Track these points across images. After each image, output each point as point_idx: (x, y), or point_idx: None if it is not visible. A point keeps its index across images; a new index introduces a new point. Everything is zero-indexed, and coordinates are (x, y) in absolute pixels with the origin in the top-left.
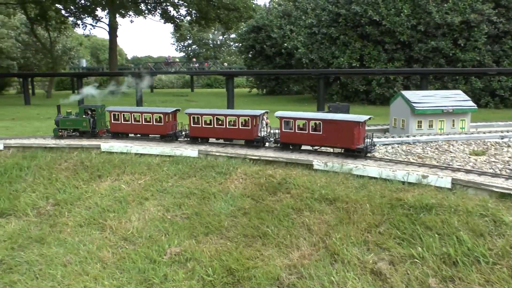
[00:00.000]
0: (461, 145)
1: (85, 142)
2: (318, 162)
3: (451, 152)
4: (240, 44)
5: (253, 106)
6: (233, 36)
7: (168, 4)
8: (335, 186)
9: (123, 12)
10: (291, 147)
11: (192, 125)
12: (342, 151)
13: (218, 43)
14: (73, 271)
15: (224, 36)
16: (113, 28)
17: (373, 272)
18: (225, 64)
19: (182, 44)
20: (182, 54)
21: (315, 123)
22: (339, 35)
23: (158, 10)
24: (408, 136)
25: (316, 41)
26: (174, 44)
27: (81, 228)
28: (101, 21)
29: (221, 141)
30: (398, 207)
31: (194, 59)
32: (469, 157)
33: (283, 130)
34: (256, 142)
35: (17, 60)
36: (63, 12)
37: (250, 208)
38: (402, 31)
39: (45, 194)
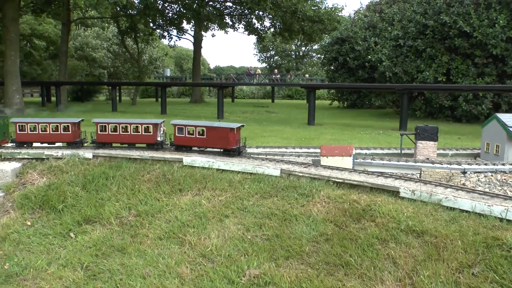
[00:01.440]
0: None
1: (167, 155)
2: (404, 190)
3: None
4: (323, 56)
5: (334, 119)
6: (315, 47)
7: (252, 16)
8: (423, 218)
9: (207, 25)
10: (183, 148)
11: (99, 132)
12: (222, 151)
13: (301, 54)
14: (151, 284)
15: (307, 47)
16: (197, 40)
17: None
18: (307, 75)
19: (265, 55)
20: (264, 64)
21: (202, 129)
22: (426, 47)
23: (242, 23)
24: (503, 164)
25: (401, 54)
26: (256, 54)
27: (160, 241)
28: (186, 33)
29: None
30: (495, 247)
31: (276, 70)
32: None
33: (177, 135)
34: (156, 145)
35: (107, 69)
36: (151, 24)
37: (333, 234)
38: (495, 43)
39: (128, 204)
